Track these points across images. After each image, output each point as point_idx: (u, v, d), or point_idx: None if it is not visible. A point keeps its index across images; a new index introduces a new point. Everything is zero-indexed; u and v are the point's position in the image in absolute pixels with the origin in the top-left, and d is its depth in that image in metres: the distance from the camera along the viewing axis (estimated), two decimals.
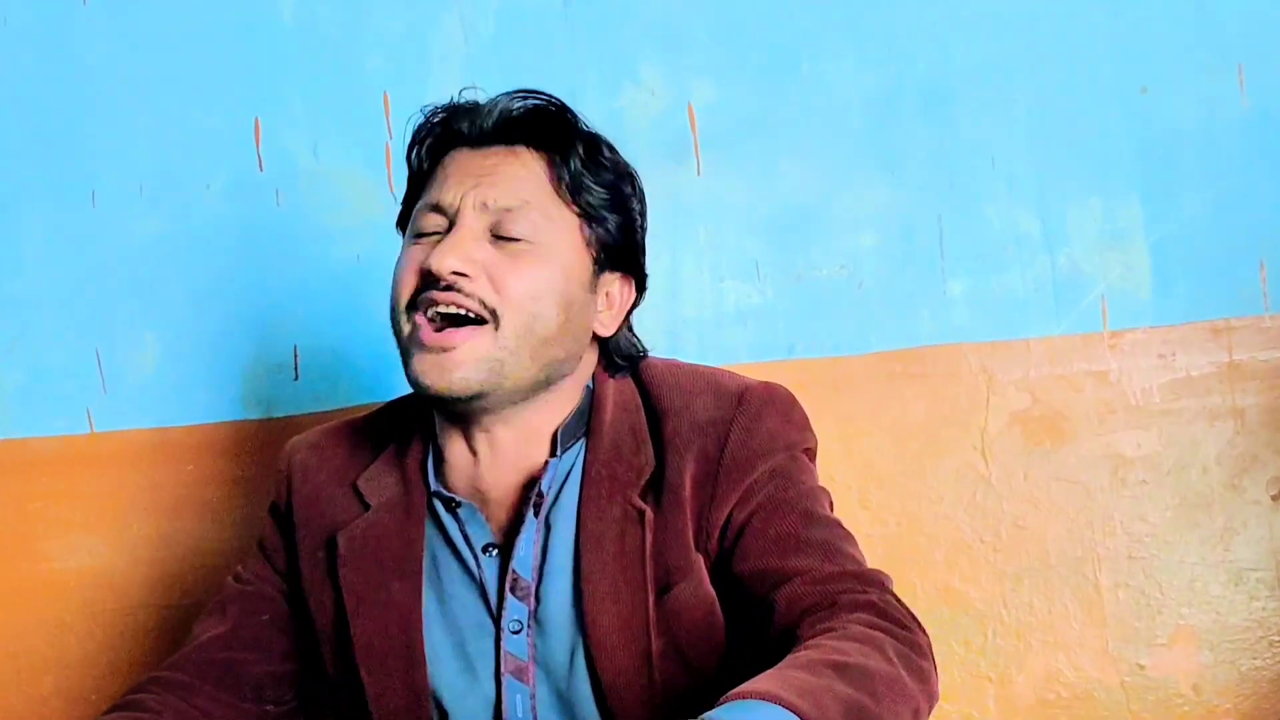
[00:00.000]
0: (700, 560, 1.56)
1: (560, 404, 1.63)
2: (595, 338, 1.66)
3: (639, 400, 1.65)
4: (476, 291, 1.53)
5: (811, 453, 1.66)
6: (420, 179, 1.66)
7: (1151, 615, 2.26)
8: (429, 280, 1.55)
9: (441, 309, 1.54)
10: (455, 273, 1.53)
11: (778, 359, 2.33)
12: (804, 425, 1.65)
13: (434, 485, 1.63)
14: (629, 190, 1.65)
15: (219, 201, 2.45)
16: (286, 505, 1.73)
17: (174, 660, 1.67)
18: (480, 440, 1.62)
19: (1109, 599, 2.27)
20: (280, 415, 2.42)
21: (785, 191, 2.36)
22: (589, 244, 1.60)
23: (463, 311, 1.53)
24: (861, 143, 2.36)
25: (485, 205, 1.56)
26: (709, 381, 1.65)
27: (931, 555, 2.28)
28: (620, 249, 1.63)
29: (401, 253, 1.61)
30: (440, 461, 1.65)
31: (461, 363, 1.53)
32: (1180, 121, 2.31)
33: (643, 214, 1.68)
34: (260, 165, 2.45)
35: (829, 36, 2.37)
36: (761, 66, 2.39)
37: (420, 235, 1.60)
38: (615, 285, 1.65)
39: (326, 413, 2.38)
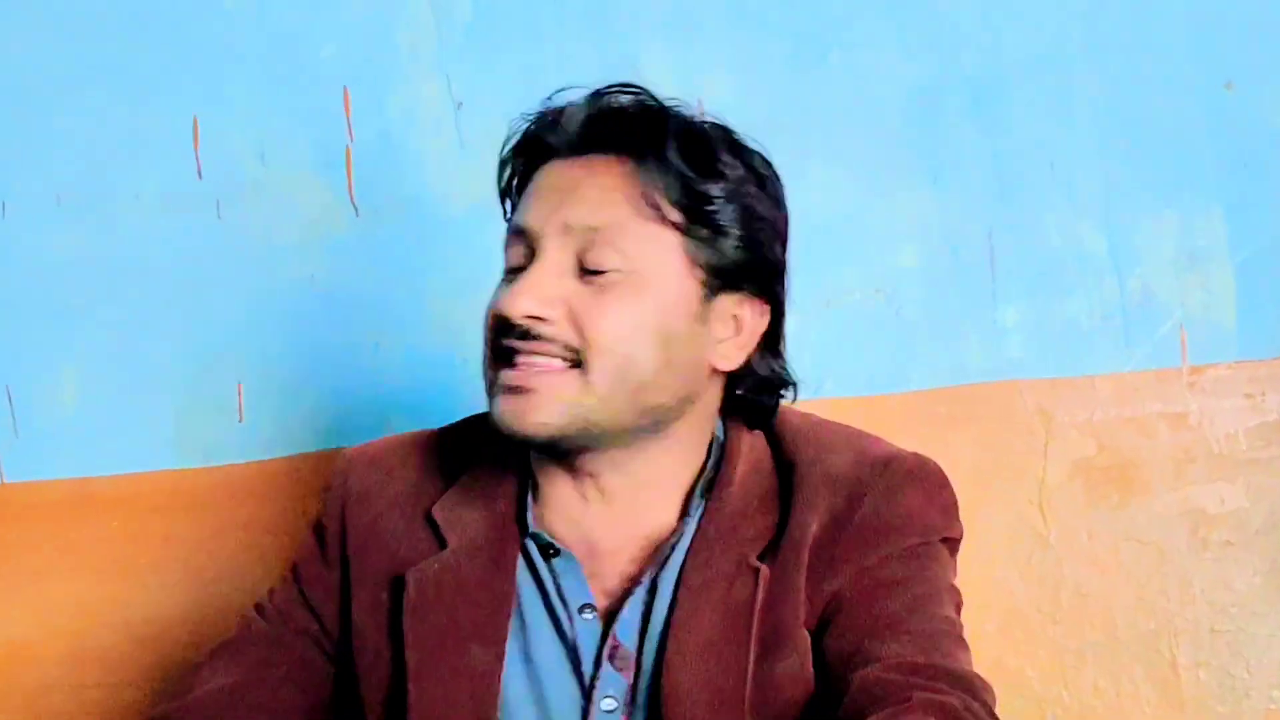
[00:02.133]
0: (807, 637, 1.55)
1: (681, 455, 1.63)
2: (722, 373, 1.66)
3: (771, 461, 1.65)
4: (559, 336, 1.53)
5: (953, 545, 1.65)
6: (513, 204, 1.66)
7: (1237, 699, 2.25)
8: (505, 326, 1.55)
9: (530, 358, 1.54)
10: (531, 316, 1.53)
11: (803, 398, 2.17)
12: (950, 511, 1.64)
13: (532, 526, 1.62)
14: (751, 193, 1.61)
15: (150, 214, 2.44)
16: (340, 531, 1.69)
17: (168, 712, 1.64)
18: (588, 485, 1.62)
19: (1187, 679, 2.25)
20: (221, 464, 2.41)
21: (811, 202, 2.20)
22: (695, 265, 1.57)
23: (550, 364, 1.54)
24: (900, 145, 2.36)
25: (568, 226, 1.56)
26: (852, 440, 1.66)
27: (981, 627, 2.25)
28: (741, 266, 1.60)
29: None
30: (537, 498, 1.65)
31: (540, 406, 1.53)
32: (1271, 122, 2.31)
33: (775, 221, 1.65)
34: (199, 172, 2.44)
35: (862, 22, 2.37)
36: (783, 57, 2.38)
37: (508, 270, 1.61)
38: (741, 309, 1.62)
39: (276, 460, 2.39)
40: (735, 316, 1.60)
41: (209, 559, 2.38)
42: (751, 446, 1.65)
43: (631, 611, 1.57)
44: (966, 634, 1.57)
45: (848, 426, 1.70)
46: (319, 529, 1.72)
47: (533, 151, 1.63)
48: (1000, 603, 2.28)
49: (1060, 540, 2.28)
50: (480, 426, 1.68)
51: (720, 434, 1.67)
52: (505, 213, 1.66)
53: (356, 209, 2.41)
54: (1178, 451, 2.28)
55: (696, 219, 1.56)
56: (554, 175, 1.60)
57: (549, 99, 1.64)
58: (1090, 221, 2.32)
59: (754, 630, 1.52)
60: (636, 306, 1.53)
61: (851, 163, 2.36)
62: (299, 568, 1.72)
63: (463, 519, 1.64)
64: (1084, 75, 2.33)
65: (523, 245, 1.58)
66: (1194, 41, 2.32)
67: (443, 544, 1.63)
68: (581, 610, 1.58)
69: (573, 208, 1.55)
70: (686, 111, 1.62)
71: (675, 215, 1.55)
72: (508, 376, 1.53)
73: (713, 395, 1.64)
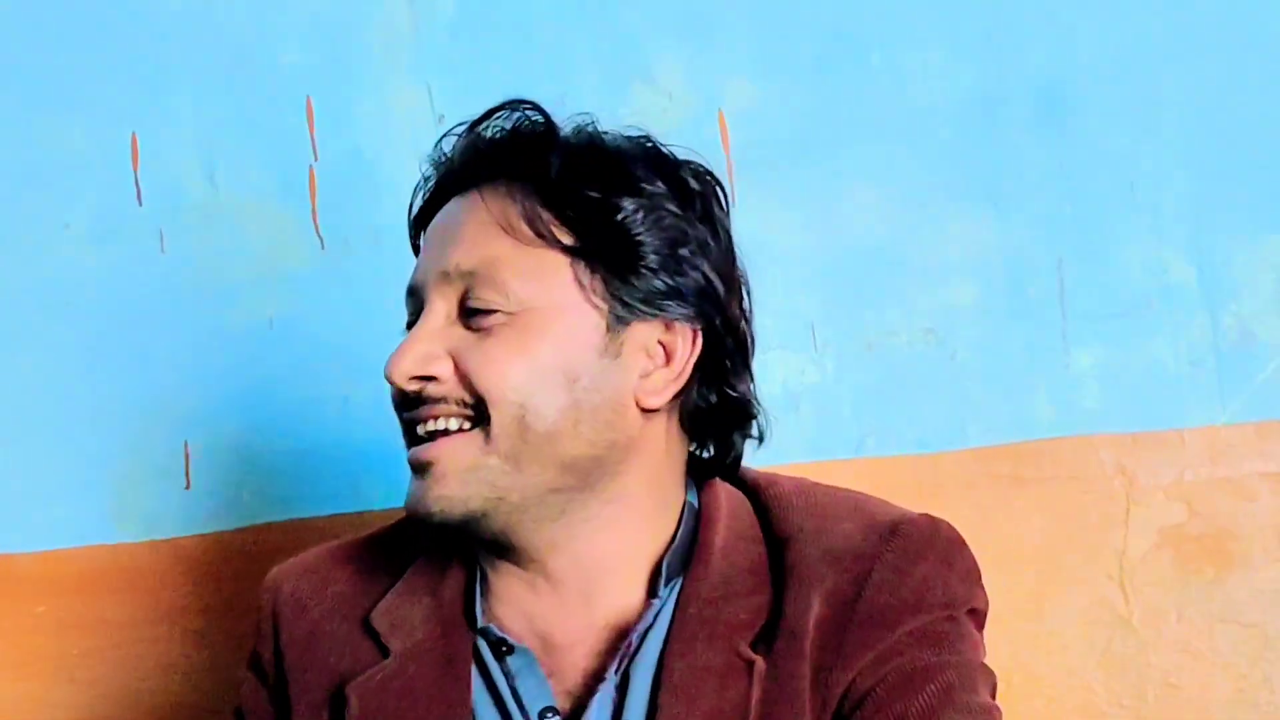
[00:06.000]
0: None
1: (637, 522, 1.66)
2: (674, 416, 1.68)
3: (757, 526, 1.67)
4: (451, 394, 1.58)
5: (979, 617, 1.68)
6: None
7: None
8: (400, 399, 1.62)
9: (427, 426, 1.60)
10: (416, 377, 1.59)
11: (841, 457, 2.34)
12: (973, 577, 1.67)
13: (481, 621, 1.65)
14: (669, 208, 1.64)
15: (81, 246, 2.46)
16: (274, 653, 1.73)
17: None
18: (534, 572, 1.65)
19: None
20: (164, 537, 2.41)
21: (850, 229, 2.38)
22: (594, 291, 1.61)
23: (446, 426, 1.59)
24: (953, 162, 2.38)
25: (446, 273, 1.62)
26: (853, 505, 1.67)
27: None
28: (658, 289, 1.62)
29: None
30: (486, 591, 1.68)
31: (441, 478, 1.58)
32: None
33: (705, 236, 1.67)
34: (138, 197, 2.47)
35: (908, 17, 2.39)
36: (816, 58, 2.40)
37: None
38: (669, 336, 1.63)
39: (229, 532, 2.40)
40: (662, 344, 1.63)
41: (151, 649, 2.40)
42: (733, 511, 1.68)
43: (599, 713, 1.58)
44: None
45: (847, 490, 1.71)
46: (254, 661, 1.76)
47: (432, 199, 1.73)
48: (1075, 697, 2.27)
49: (1145, 623, 2.28)
50: None
51: (694, 499, 1.70)
52: None
53: (321, 240, 2.44)
54: None
55: (595, 239, 1.60)
56: (438, 220, 1.68)
57: (449, 133, 1.71)
58: (1177, 249, 2.33)
59: None
60: (527, 346, 1.58)
61: (896, 181, 2.37)
62: (241, 710, 1.77)
63: (406, 621, 1.67)
64: (1170, 78, 2.34)
65: (414, 304, 1.66)
66: None
67: (385, 652, 1.66)
68: (542, 715, 1.60)
69: (450, 251, 1.62)
70: (594, 127, 1.68)
71: (567, 237, 1.60)
72: (411, 455, 1.60)
73: (656, 442, 1.65)
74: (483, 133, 1.68)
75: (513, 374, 1.57)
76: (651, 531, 1.66)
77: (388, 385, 1.61)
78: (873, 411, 2.36)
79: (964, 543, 1.66)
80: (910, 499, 2.10)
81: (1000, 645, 2.09)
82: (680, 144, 2.20)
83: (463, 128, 1.70)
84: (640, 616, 1.61)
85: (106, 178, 2.46)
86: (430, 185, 1.73)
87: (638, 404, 1.62)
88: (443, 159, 1.71)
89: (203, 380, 2.43)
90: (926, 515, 1.65)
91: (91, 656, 2.41)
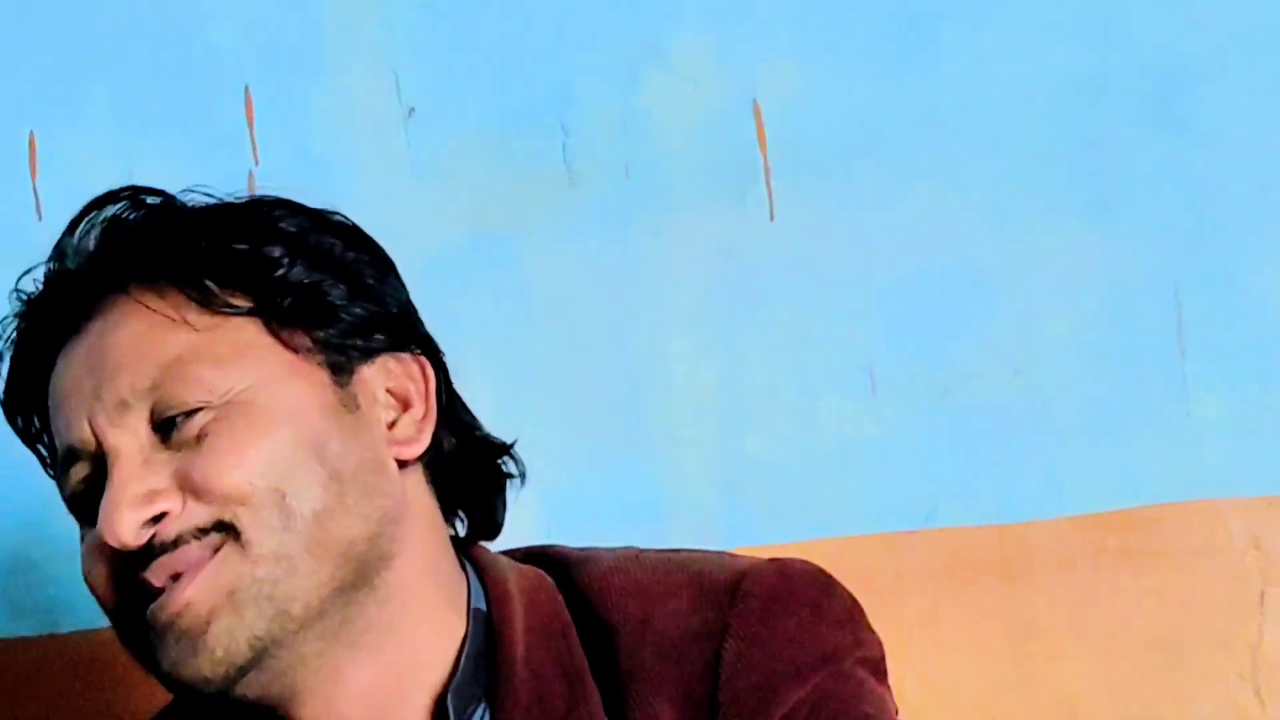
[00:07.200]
0: None
1: (420, 626, 1.57)
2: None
3: (566, 615, 1.59)
4: (186, 526, 1.47)
5: (874, 664, 1.59)
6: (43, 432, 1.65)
7: None
8: (126, 562, 1.48)
9: (165, 571, 1.48)
10: (147, 523, 1.47)
11: (907, 529, 2.22)
12: (850, 620, 1.58)
13: None
14: (324, 239, 1.61)
15: None
16: None
17: None
18: None
19: None
20: (69, 629, 2.30)
21: (917, 247, 2.24)
22: (301, 347, 1.55)
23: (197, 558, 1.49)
24: (1046, 164, 2.22)
25: (124, 404, 1.51)
26: (683, 573, 1.59)
27: None
28: (359, 322, 1.59)
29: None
30: None
31: (211, 614, 1.46)
32: None
33: (371, 256, 1.65)
34: (38, 210, 2.35)
35: None
36: (875, 37, 2.26)
37: (79, 514, 1.56)
38: (394, 377, 1.61)
39: None
40: (391, 391, 1.59)
41: None
42: (531, 601, 1.59)
43: None
44: None
45: (674, 553, 1.64)
46: None
47: (41, 360, 1.62)
48: None
49: None
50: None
51: (480, 599, 1.61)
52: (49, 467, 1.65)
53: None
54: None
55: (271, 292, 1.54)
56: (69, 364, 1.57)
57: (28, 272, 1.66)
58: None
59: None
60: (257, 428, 1.49)
61: (974, 188, 2.23)
62: None
63: None
64: None
65: (82, 467, 1.53)
66: None
67: None
68: None
69: (112, 380, 1.51)
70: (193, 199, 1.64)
71: (247, 301, 1.53)
72: (157, 613, 1.46)
73: (422, 510, 1.59)
74: (75, 243, 1.63)
75: (254, 461, 1.49)
76: (439, 641, 1.58)
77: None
78: (947, 472, 2.22)
79: (830, 580, 1.60)
80: (994, 579, 2.20)
81: None
82: (705, 145, 2.30)
83: (42, 269, 1.64)
84: None
85: None
86: (28, 336, 1.64)
87: (396, 459, 1.58)
88: (37, 298, 1.64)
89: None
90: (774, 561, 1.59)
91: None
